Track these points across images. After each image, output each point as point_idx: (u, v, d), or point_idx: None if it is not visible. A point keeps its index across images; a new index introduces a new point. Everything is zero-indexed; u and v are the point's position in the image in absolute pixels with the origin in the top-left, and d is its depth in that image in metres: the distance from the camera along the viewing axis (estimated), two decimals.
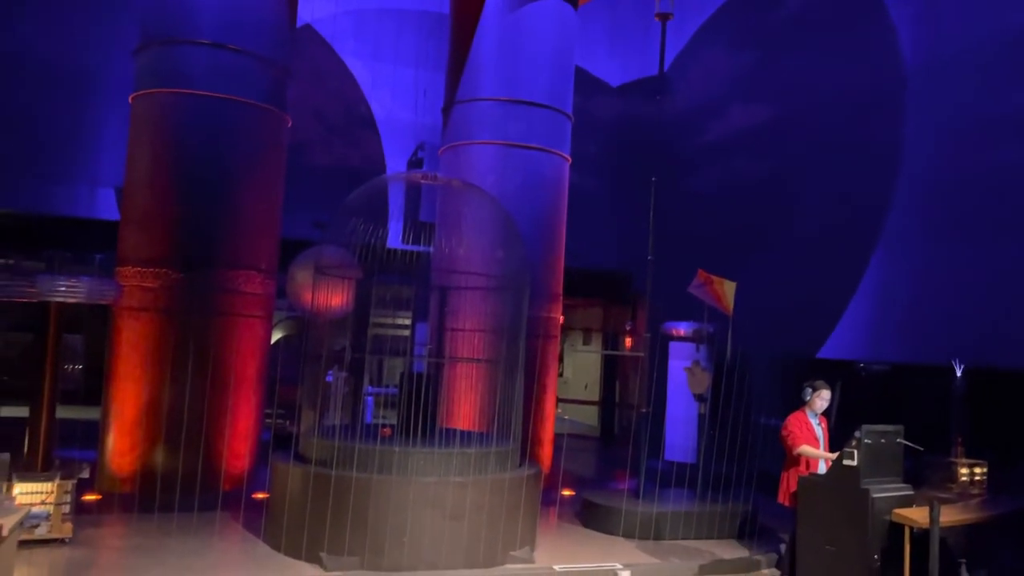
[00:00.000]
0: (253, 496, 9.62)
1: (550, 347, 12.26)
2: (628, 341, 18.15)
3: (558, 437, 12.61)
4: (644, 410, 10.72)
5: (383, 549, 7.48)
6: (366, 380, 14.19)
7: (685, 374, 11.00)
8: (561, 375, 14.92)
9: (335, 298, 10.51)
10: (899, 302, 14.04)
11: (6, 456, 6.10)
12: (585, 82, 15.24)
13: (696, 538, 9.29)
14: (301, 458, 8.27)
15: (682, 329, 12.77)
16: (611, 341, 19.35)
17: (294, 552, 7.70)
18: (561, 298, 12.67)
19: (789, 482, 7.79)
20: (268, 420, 11.90)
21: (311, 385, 8.83)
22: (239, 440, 10.50)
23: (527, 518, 8.24)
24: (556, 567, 7.96)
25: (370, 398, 14.95)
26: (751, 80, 17.25)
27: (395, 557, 7.47)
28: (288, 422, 13.28)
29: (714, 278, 10.68)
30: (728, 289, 10.60)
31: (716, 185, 17.43)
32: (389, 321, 17.94)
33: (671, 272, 11.89)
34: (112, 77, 14.18)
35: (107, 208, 14.79)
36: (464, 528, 7.68)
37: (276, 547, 7.91)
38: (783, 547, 8.26)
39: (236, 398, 10.38)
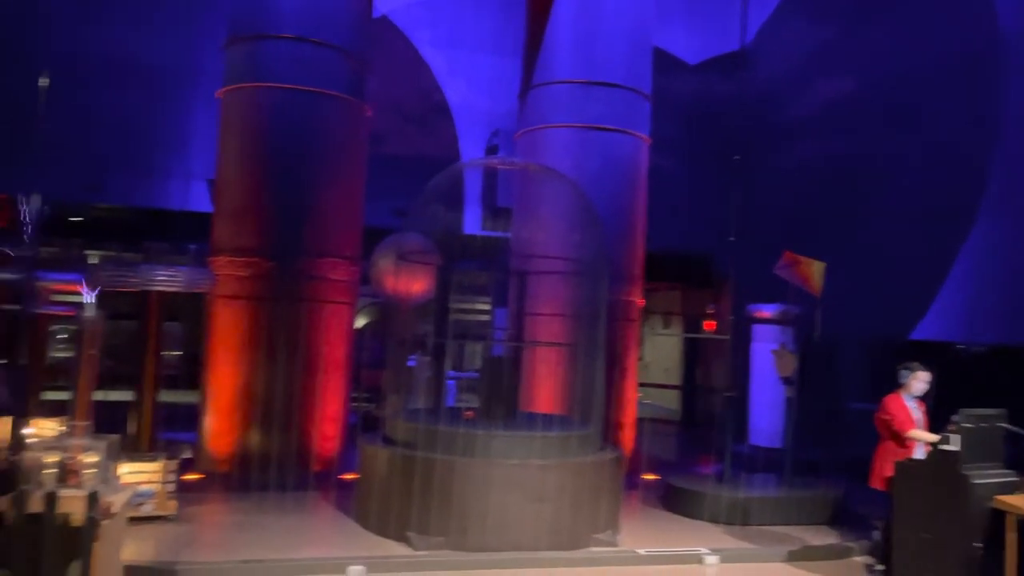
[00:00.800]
0: (342, 477, 9.93)
1: (630, 331, 12.17)
2: (710, 324, 17.86)
3: (639, 421, 12.54)
4: (728, 394, 10.56)
5: (468, 530, 7.62)
6: (447, 365, 14.41)
7: (771, 357, 10.75)
8: (641, 359, 14.77)
9: (416, 284, 10.72)
10: (997, 281, 13.35)
11: (116, 438, 6.47)
12: (662, 61, 14.94)
13: (785, 524, 9.11)
14: (388, 440, 8.49)
15: (767, 311, 12.47)
16: (692, 324, 19.07)
17: (383, 531, 7.93)
18: (641, 281, 12.55)
19: (883, 466, 7.55)
20: (355, 403, 12.24)
21: (395, 369, 9.04)
22: (328, 423, 10.83)
23: (610, 501, 8.25)
24: (640, 551, 7.95)
25: (451, 382, 15.19)
26: (836, 51, 16.59)
27: (480, 538, 7.60)
28: (374, 405, 13.62)
29: (801, 259, 10.38)
30: (816, 270, 10.29)
31: (801, 162, 16.89)
32: (468, 306, 18.16)
33: (755, 253, 11.61)
34: (202, 74, 14.74)
35: (200, 200, 15.42)
36: (547, 510, 7.75)
37: (366, 525, 8.15)
38: (876, 533, 8.01)
39: (325, 382, 10.71)
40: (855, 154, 15.70)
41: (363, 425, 9.91)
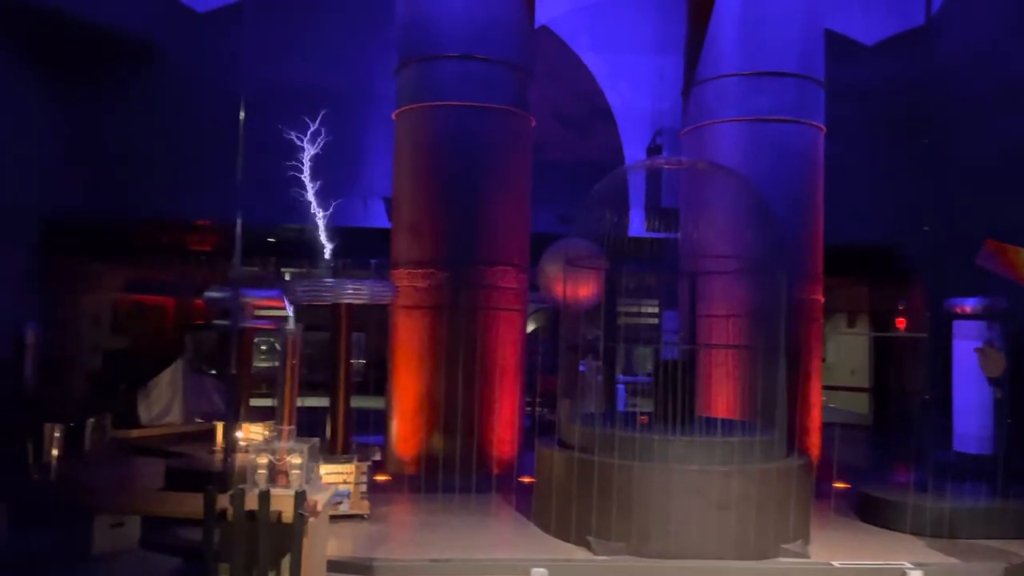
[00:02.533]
0: (520, 479, 10.12)
1: (812, 330, 11.56)
2: (901, 321, 16.59)
3: (825, 426, 11.86)
4: (926, 396, 9.76)
5: (649, 536, 7.52)
6: (618, 369, 14.32)
7: (976, 356, 9.81)
8: (824, 360, 13.98)
9: (584, 289, 10.75)
10: None
11: (316, 441, 6.96)
12: (836, 44, 14.11)
13: (999, 537, 8.28)
14: (563, 444, 8.55)
15: (969, 306, 11.41)
16: (880, 322, 17.79)
17: (563, 534, 7.99)
18: (821, 278, 11.89)
19: None
20: (528, 408, 12.45)
21: (567, 374, 9.10)
22: (505, 427, 11.09)
23: (799, 510, 7.85)
24: (835, 563, 7.50)
25: (621, 386, 15.08)
26: None
27: (662, 545, 7.48)
28: (547, 409, 13.79)
29: (1008, 247, 9.40)
30: None
31: (998, 144, 15.33)
32: (636, 310, 17.97)
33: (950, 243, 10.66)
34: (376, 98, 15.61)
35: (378, 217, 16.33)
36: (732, 518, 7.49)
37: (546, 529, 8.25)
38: None
39: (500, 387, 10.99)
40: None
41: (537, 429, 10.05)
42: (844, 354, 19.18)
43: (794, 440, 8.71)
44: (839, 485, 10.26)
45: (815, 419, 11.61)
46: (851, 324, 19.27)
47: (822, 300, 11.91)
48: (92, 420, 12.16)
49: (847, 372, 18.80)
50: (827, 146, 12.10)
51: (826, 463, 10.99)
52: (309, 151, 10.23)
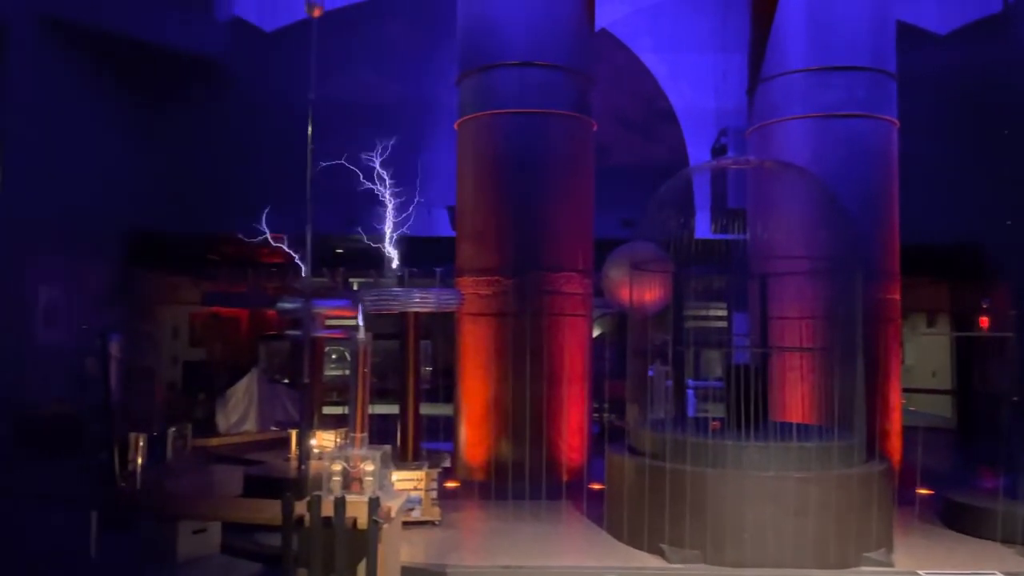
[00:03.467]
0: (591, 486, 10.05)
1: (890, 331, 11.18)
2: (984, 320, 15.89)
3: (906, 430, 11.44)
4: (1015, 398, 9.32)
5: (724, 544, 7.37)
6: (687, 373, 14.11)
7: None
8: (903, 362, 13.49)
9: (649, 293, 10.63)
10: None
11: (387, 448, 7.06)
12: (907, 35, 13.66)
13: None
14: (633, 451, 8.46)
15: None
16: (962, 321, 17.07)
17: (636, 542, 7.90)
18: (898, 276, 11.50)
19: None
20: (596, 414, 12.36)
21: (636, 379, 9.00)
22: (573, 433, 11.04)
23: (881, 517, 7.59)
24: (921, 572, 7.22)
25: (691, 391, 14.84)
26: None
27: (738, 553, 7.32)
28: (614, 415, 13.66)
29: None
30: None
31: None
32: (704, 313, 17.68)
33: None
34: (436, 109, 15.81)
35: (441, 225, 16.50)
36: (810, 526, 7.29)
37: (618, 536, 8.17)
38: None
39: (567, 393, 10.95)
40: None
41: (606, 435, 9.96)
42: (924, 355, 18.47)
43: (874, 445, 8.43)
44: (923, 491, 9.88)
45: (895, 423, 11.21)
46: (931, 324, 18.55)
47: (899, 299, 11.51)
48: (174, 429, 12.58)
49: (927, 374, 18.09)
50: (901, 141, 11.71)
51: (908, 468, 10.62)
52: (374, 163, 10.40)
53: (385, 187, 10.53)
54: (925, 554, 7.76)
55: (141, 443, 10.35)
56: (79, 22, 15.16)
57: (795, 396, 10.58)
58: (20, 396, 13.47)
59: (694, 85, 17.53)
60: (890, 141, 11.52)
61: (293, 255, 10.50)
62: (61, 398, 13.68)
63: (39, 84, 14.55)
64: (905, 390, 12.38)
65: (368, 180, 10.52)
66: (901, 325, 11.89)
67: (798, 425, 8.64)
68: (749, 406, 8.24)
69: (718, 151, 17.58)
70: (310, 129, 9.49)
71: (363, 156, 10.24)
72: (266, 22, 17.70)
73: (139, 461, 10.24)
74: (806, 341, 10.04)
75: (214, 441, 13.61)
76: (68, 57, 15.37)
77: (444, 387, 12.62)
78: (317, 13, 9.57)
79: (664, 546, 7.57)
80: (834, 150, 11.09)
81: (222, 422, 14.06)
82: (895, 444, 11.14)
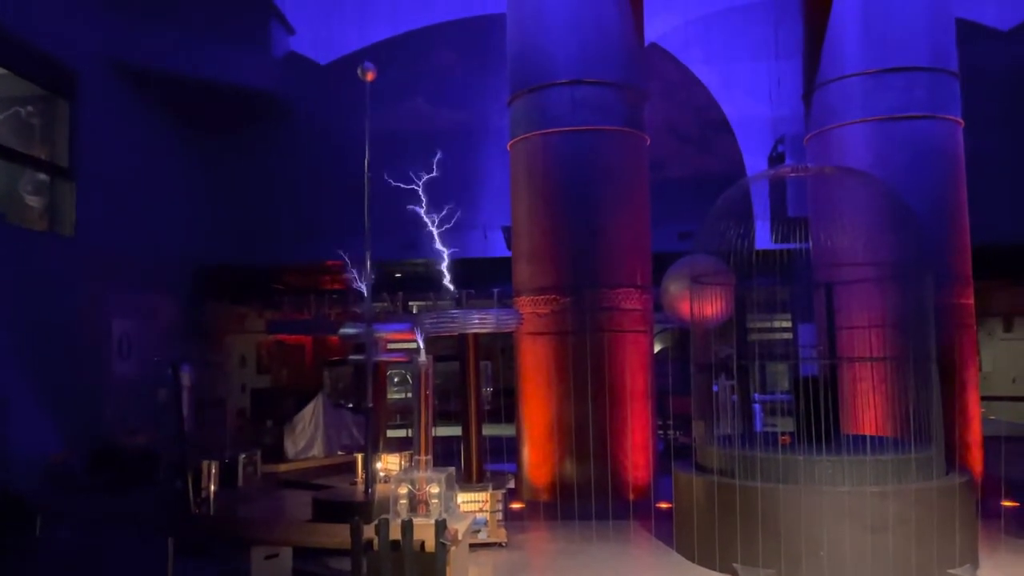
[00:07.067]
0: (658, 505, 9.90)
1: (965, 337, 10.77)
2: None
3: (988, 440, 10.97)
4: None
5: (800, 562, 7.15)
6: (752, 387, 13.83)
7: None
8: (980, 369, 12.96)
9: (710, 306, 10.46)
10: None
11: (452, 470, 7.08)
12: (968, 32, 13.26)
13: None
14: (701, 468, 8.30)
15: None
16: None
17: (707, 562, 7.72)
18: (971, 280, 11.09)
19: None
20: (660, 431, 12.18)
21: (701, 395, 8.85)
22: (638, 451, 10.90)
23: (964, 532, 7.27)
24: None
25: (757, 406, 14.52)
26: None
27: (814, 571, 7.09)
28: (679, 432, 13.45)
29: None
30: None
31: None
32: (767, 325, 17.32)
33: None
34: (492, 132, 15.99)
35: (498, 246, 16.60)
36: (889, 542, 7.02)
37: (689, 557, 8.00)
38: None
39: (630, 411, 10.82)
40: None
41: (672, 452, 9.81)
42: (1002, 361, 17.73)
43: (954, 456, 8.11)
44: (1008, 503, 9.45)
45: (975, 433, 10.77)
46: (1008, 328, 17.81)
47: (973, 304, 11.09)
48: (244, 456, 12.86)
49: (1007, 380, 17.35)
50: (967, 140, 11.35)
51: (991, 480, 10.17)
52: (430, 188, 10.53)
53: (440, 211, 10.65)
54: (1014, 570, 7.41)
55: (214, 470, 10.62)
56: (144, 65, 15.85)
57: (867, 408, 10.26)
58: (97, 427, 13.98)
59: (748, 94, 17.32)
60: (955, 141, 11.17)
61: (354, 281, 10.68)
62: (136, 428, 14.15)
63: (109, 126, 15.24)
64: (984, 398, 11.90)
65: (424, 205, 10.65)
66: (977, 330, 11.45)
67: (871, 437, 8.36)
68: (819, 419, 8.02)
69: (776, 159, 17.30)
70: (367, 158, 9.68)
71: (418, 182, 10.38)
72: (320, 55, 18.19)
73: (212, 488, 10.51)
74: (876, 351, 9.73)
75: (283, 467, 13.87)
76: (135, 99, 16.07)
77: (506, 407, 12.61)
78: (371, 77, 9.89)
79: (737, 566, 7.38)
80: (897, 153, 10.81)
81: (290, 448, 14.32)
82: (976, 455, 10.69)
